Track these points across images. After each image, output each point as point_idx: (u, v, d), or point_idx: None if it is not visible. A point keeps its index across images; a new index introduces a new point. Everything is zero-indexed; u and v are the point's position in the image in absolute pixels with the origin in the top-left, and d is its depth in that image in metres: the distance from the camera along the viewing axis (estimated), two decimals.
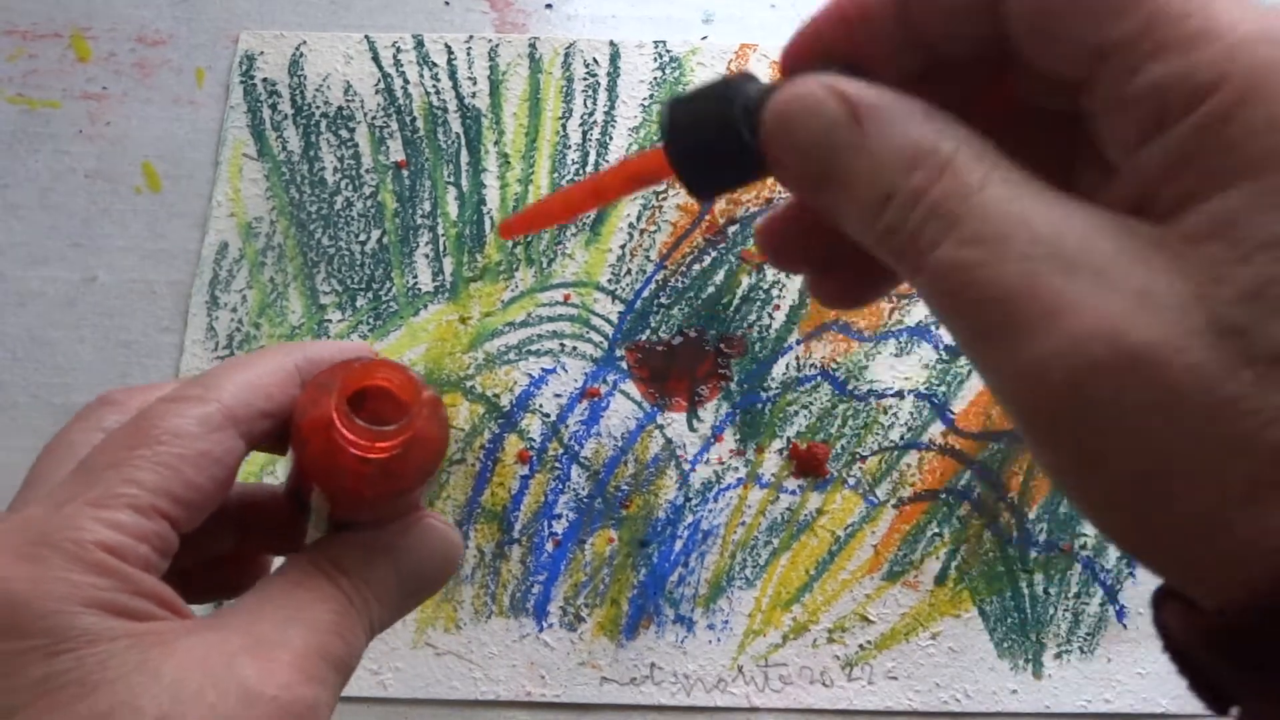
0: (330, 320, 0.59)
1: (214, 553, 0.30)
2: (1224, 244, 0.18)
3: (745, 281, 0.60)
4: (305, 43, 0.65)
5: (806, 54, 0.24)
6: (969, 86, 0.24)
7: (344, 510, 0.28)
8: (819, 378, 0.58)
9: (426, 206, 0.61)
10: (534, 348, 0.58)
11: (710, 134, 0.24)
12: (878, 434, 0.57)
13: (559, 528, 0.55)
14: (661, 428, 0.57)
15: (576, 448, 0.56)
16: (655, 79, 0.64)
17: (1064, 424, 0.19)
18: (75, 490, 0.24)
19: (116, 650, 0.22)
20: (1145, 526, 0.19)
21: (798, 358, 0.58)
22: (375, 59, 0.65)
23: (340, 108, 0.64)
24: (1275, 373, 0.18)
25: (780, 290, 0.60)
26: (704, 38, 0.66)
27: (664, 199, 0.62)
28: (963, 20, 0.22)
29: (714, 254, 0.60)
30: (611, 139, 0.63)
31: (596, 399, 0.57)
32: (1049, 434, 0.20)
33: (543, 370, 0.58)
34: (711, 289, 0.59)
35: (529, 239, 0.60)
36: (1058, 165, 0.22)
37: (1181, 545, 0.19)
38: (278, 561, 0.32)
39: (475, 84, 0.64)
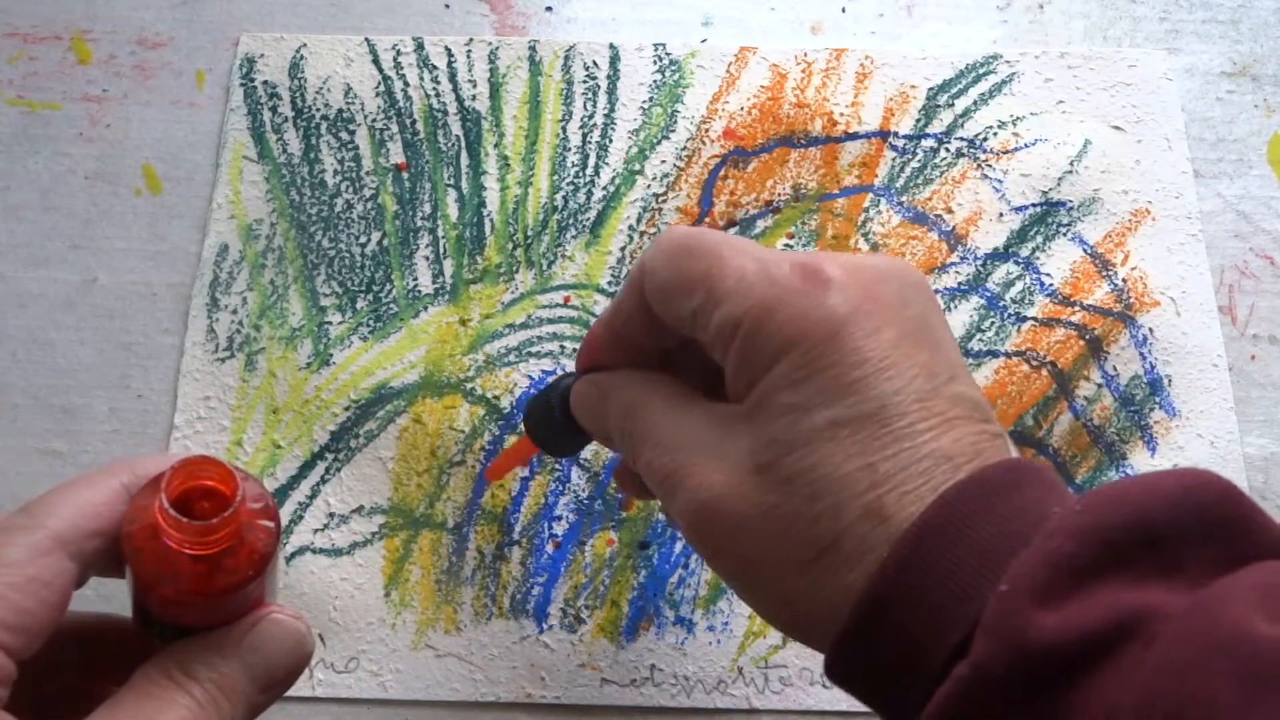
0: (330, 322, 0.59)
1: (57, 686, 0.31)
2: (763, 411, 0.30)
3: None
4: (305, 45, 0.65)
5: (588, 361, 0.39)
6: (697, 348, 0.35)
7: (186, 614, 0.28)
8: None
9: (427, 209, 0.61)
10: (534, 350, 0.58)
11: (548, 423, 0.41)
12: None
13: (559, 529, 0.55)
14: None
15: None
16: (655, 81, 0.65)
17: (702, 543, 0.31)
18: None
19: None
20: (769, 608, 0.31)
21: None
22: (375, 61, 0.65)
23: (340, 110, 0.64)
24: (791, 487, 0.28)
25: None
26: (704, 41, 0.66)
27: (663, 201, 0.62)
28: (645, 332, 0.36)
29: None
30: (611, 141, 0.63)
31: None
32: (703, 550, 0.32)
33: (543, 372, 0.58)
34: None
35: (528, 241, 0.61)
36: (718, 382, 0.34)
37: (801, 619, 0.30)
38: None
39: (475, 86, 0.64)
